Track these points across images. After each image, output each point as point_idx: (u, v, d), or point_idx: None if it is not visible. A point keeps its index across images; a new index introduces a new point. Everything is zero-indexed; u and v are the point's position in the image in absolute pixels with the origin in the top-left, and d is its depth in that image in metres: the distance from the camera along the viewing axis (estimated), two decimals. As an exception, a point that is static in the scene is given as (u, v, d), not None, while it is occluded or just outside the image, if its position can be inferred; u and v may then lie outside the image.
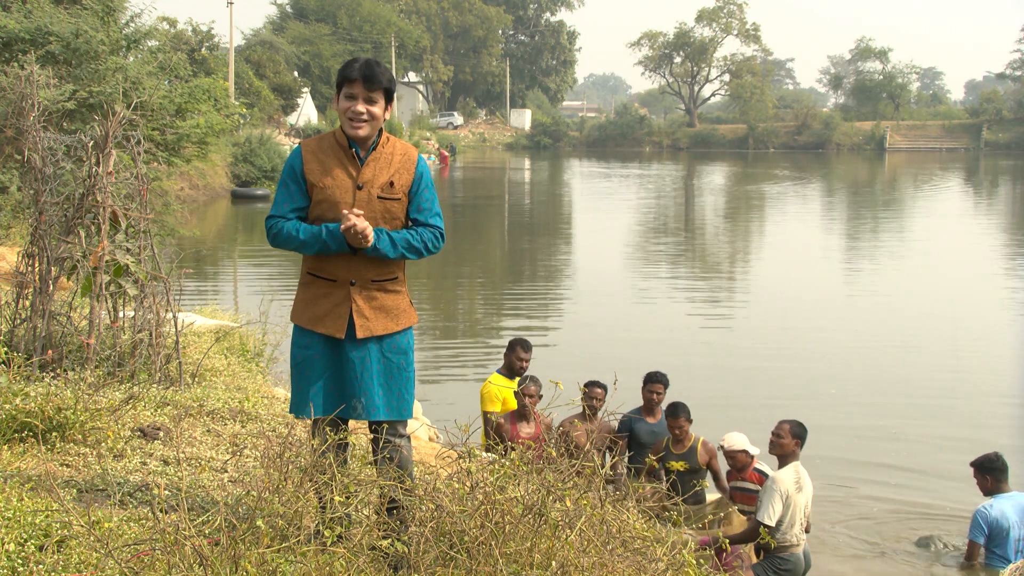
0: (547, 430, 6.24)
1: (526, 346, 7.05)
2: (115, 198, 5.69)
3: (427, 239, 3.66)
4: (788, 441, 5.71)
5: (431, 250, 3.69)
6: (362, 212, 3.51)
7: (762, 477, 6.05)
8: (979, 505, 6.24)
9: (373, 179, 3.61)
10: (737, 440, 6.16)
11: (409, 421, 3.81)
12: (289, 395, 5.56)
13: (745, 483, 6.20)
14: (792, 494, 5.60)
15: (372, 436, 3.69)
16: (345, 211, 3.48)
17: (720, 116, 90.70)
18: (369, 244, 3.50)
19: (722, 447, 6.22)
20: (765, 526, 5.52)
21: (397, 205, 3.64)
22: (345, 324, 3.59)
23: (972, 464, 6.36)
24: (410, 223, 3.70)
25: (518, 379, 6.92)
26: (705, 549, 5.10)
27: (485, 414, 6.83)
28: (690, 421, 6.47)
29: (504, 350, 7.12)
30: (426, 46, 76.65)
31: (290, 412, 3.72)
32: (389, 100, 3.65)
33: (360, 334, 3.58)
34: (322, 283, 3.63)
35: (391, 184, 3.62)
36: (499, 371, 7.07)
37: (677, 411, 6.44)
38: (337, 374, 3.62)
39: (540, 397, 6.38)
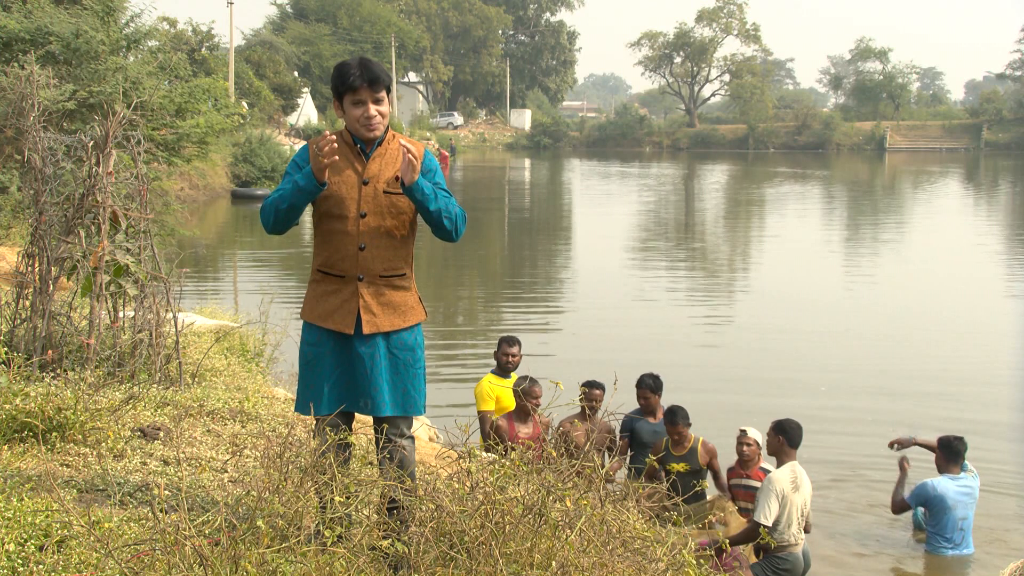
0: (545, 429, 6.23)
1: (511, 341, 7.07)
2: (115, 198, 5.69)
3: (458, 212, 3.64)
4: (772, 440, 5.85)
5: (459, 225, 3.66)
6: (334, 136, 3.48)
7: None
8: (929, 479, 6.56)
9: (379, 174, 3.62)
10: (756, 433, 6.30)
11: (413, 421, 3.81)
12: (290, 395, 5.55)
13: (750, 480, 6.23)
14: (788, 493, 5.61)
15: (376, 435, 3.69)
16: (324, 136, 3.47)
17: (720, 116, 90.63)
18: (327, 162, 3.45)
19: (743, 433, 6.31)
20: (762, 526, 5.53)
21: (403, 200, 3.64)
22: (353, 320, 3.60)
23: (938, 440, 6.68)
24: (418, 216, 3.70)
25: (513, 377, 6.94)
26: (704, 550, 5.11)
27: (480, 413, 6.85)
28: (688, 425, 6.48)
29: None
30: (426, 46, 76.64)
31: (296, 410, 3.72)
32: (389, 92, 3.67)
33: (367, 330, 3.59)
34: (331, 279, 3.65)
35: (397, 179, 3.63)
36: (493, 371, 7.09)
37: (676, 418, 6.44)
38: (347, 371, 3.63)
39: (540, 396, 6.38)
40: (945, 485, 6.46)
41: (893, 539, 6.87)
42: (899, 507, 6.70)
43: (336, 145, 3.45)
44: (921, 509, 6.74)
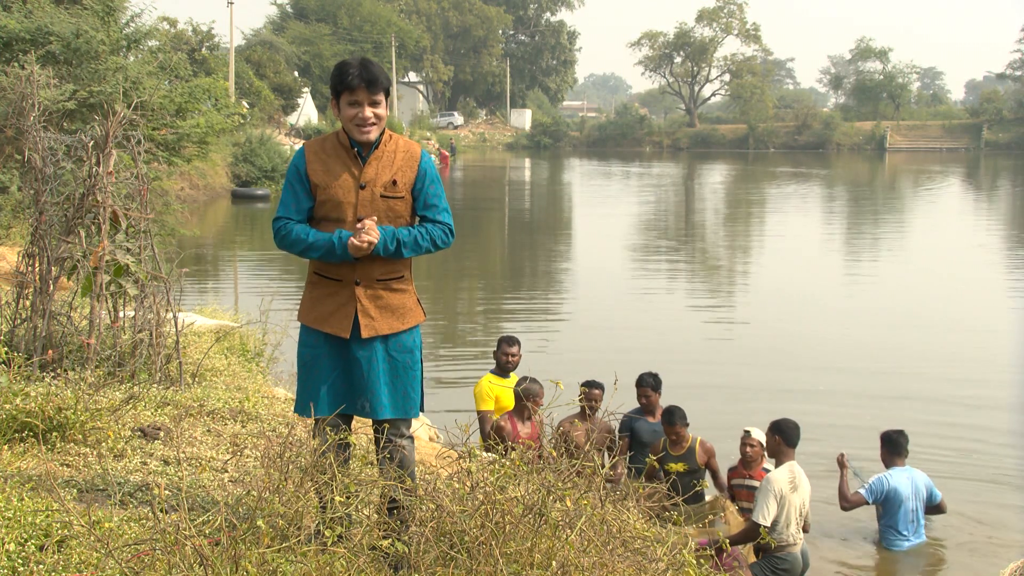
0: (541, 426, 6.21)
1: (511, 341, 7.07)
2: (115, 198, 5.69)
3: (436, 235, 3.66)
4: (770, 440, 5.91)
5: (440, 247, 3.68)
6: (375, 219, 3.53)
7: None
8: (880, 473, 6.78)
9: (376, 178, 3.61)
10: (760, 433, 6.31)
11: (412, 421, 3.81)
12: (290, 395, 5.55)
13: (753, 481, 6.24)
14: (787, 494, 5.61)
15: (375, 436, 3.69)
16: (359, 224, 3.50)
17: (720, 116, 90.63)
18: (370, 251, 3.52)
19: (747, 434, 6.34)
20: (762, 526, 5.53)
21: (401, 204, 3.64)
22: (350, 324, 3.59)
23: (881, 435, 6.92)
24: (417, 220, 3.70)
25: (512, 377, 6.93)
26: (704, 550, 5.11)
27: (480, 413, 6.84)
28: (686, 425, 6.48)
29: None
30: (426, 46, 76.62)
31: (295, 411, 3.72)
32: (388, 96, 3.65)
33: (365, 334, 3.58)
34: (328, 283, 3.64)
35: (394, 182, 3.62)
36: (492, 371, 7.09)
37: (673, 418, 6.45)
38: (344, 373, 3.62)
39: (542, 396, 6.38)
40: (897, 478, 6.68)
41: (863, 533, 6.94)
42: (853, 503, 6.77)
43: (375, 236, 3.49)
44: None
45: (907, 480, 6.68)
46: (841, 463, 6.84)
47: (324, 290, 3.65)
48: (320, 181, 3.61)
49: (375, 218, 3.54)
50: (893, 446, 6.79)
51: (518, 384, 6.47)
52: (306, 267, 3.82)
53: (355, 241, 3.47)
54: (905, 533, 6.64)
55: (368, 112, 3.57)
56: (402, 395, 3.65)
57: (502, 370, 7.00)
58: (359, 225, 3.50)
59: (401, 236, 3.58)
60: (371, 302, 3.61)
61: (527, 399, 6.27)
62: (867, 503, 6.74)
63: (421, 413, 3.90)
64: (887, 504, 6.67)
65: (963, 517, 7.15)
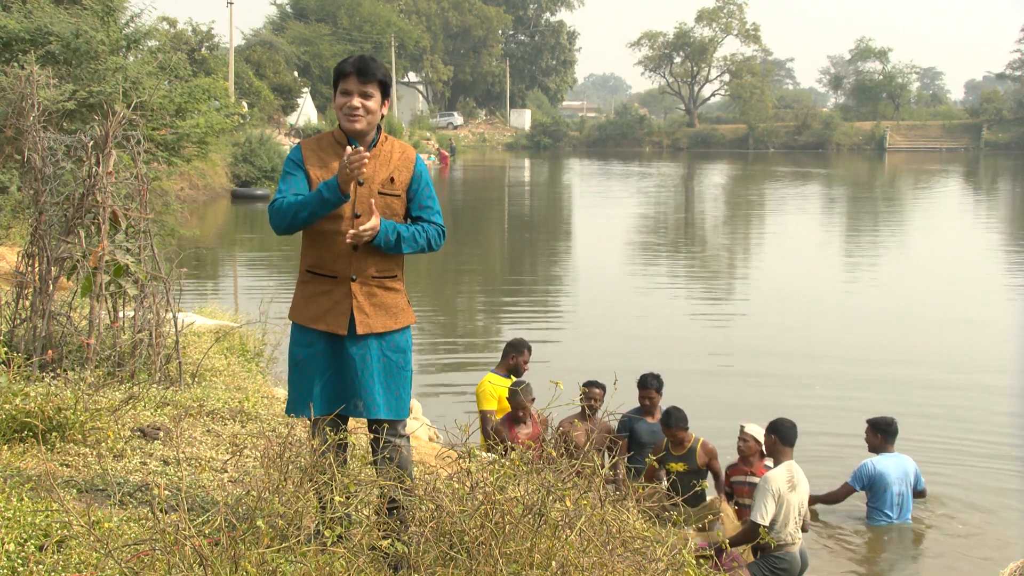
0: (544, 427, 6.22)
1: (527, 347, 7.09)
2: (115, 198, 5.69)
3: (431, 235, 3.70)
4: (767, 439, 5.92)
5: (433, 247, 3.72)
6: (373, 201, 3.55)
7: None
8: (865, 460, 7.02)
9: (373, 175, 3.62)
10: (756, 429, 6.30)
11: (408, 421, 3.81)
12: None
13: (754, 477, 6.24)
14: (785, 493, 5.61)
15: (372, 436, 3.69)
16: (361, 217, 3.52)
17: (720, 116, 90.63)
18: (356, 175, 3.47)
19: (742, 429, 6.36)
20: (761, 526, 5.53)
21: (397, 202, 3.66)
22: (347, 320, 3.59)
23: (868, 421, 7.13)
24: (410, 221, 3.72)
25: (512, 378, 6.92)
26: (703, 551, 5.11)
27: (482, 413, 6.83)
28: (685, 428, 6.47)
29: (503, 350, 7.13)
30: (426, 46, 76.64)
31: (288, 412, 3.71)
32: (386, 95, 3.65)
33: (360, 330, 3.58)
34: (323, 280, 3.63)
35: (391, 180, 3.64)
36: (494, 371, 7.07)
37: (671, 421, 6.44)
38: (338, 372, 3.61)
39: (533, 400, 6.38)
40: (884, 463, 6.91)
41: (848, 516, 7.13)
42: (842, 494, 7.03)
43: (367, 161, 3.44)
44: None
45: (895, 465, 6.92)
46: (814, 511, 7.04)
47: (318, 287, 3.64)
48: (317, 177, 3.61)
49: (373, 201, 3.54)
50: (883, 433, 7.01)
51: (511, 388, 6.47)
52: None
53: (349, 160, 3.42)
54: (891, 514, 6.88)
55: (356, 101, 3.57)
56: (395, 396, 3.65)
57: (515, 374, 6.98)
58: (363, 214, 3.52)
59: (401, 230, 3.60)
60: (366, 299, 3.61)
61: (518, 402, 6.29)
62: (856, 490, 6.97)
63: (416, 413, 3.91)
64: (874, 487, 6.91)
65: (963, 513, 7.16)
